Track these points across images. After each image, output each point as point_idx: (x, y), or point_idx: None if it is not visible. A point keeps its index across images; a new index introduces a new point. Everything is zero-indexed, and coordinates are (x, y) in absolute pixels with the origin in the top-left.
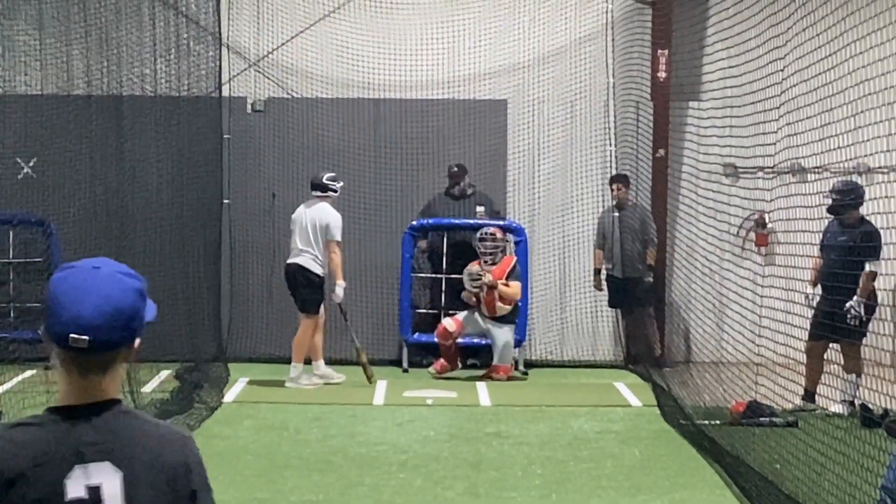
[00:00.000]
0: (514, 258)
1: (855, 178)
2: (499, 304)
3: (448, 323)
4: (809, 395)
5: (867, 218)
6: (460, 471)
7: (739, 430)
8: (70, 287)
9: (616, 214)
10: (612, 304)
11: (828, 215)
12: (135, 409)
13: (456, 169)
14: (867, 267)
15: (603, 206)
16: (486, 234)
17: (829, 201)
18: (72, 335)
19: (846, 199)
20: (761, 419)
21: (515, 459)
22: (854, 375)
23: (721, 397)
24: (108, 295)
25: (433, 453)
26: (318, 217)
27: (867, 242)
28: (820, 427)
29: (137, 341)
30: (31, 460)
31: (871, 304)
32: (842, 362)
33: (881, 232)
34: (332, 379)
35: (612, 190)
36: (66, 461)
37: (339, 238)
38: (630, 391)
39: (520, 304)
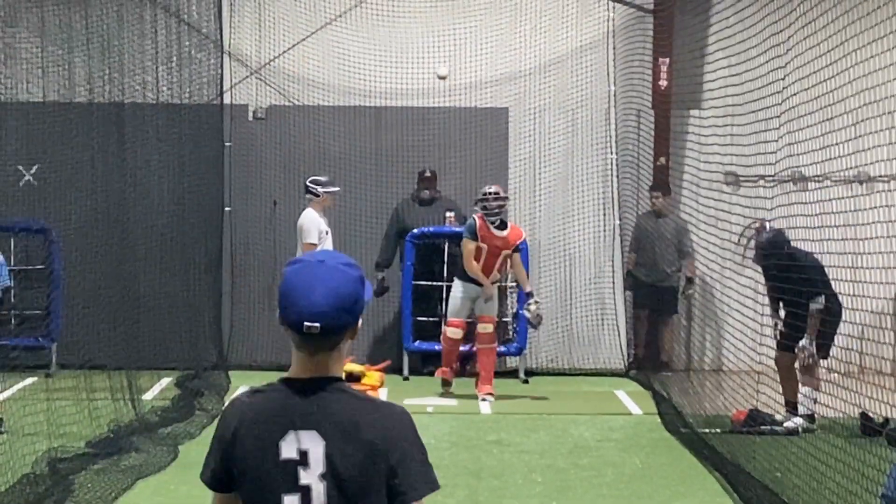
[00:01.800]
0: (523, 233)
1: (856, 186)
2: (495, 273)
3: (452, 332)
4: (793, 407)
5: (798, 254)
6: (461, 479)
7: (740, 438)
8: (301, 280)
9: (654, 221)
10: (636, 306)
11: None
12: (352, 389)
13: (429, 174)
14: (811, 308)
15: (604, 214)
16: (488, 193)
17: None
18: (306, 323)
19: (770, 251)
20: (762, 427)
21: (516, 467)
22: (810, 389)
23: (722, 406)
24: (336, 286)
25: (434, 461)
26: (299, 222)
27: (805, 283)
28: (820, 436)
29: (360, 321)
30: (255, 420)
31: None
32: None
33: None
34: None
35: (652, 198)
36: (282, 425)
37: (311, 240)
38: (631, 399)
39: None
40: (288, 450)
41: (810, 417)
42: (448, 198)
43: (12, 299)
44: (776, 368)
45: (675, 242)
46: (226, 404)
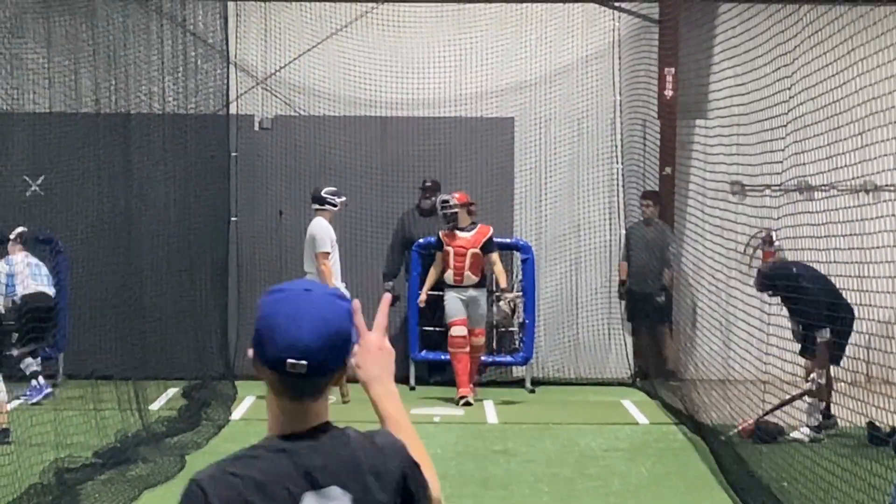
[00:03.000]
0: (491, 229)
1: (862, 195)
2: (468, 273)
3: (458, 331)
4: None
5: (804, 280)
6: (468, 489)
7: (747, 447)
8: (284, 310)
9: (644, 229)
10: (629, 318)
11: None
12: (346, 426)
13: (430, 184)
14: (818, 340)
15: (610, 224)
16: (442, 202)
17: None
18: (290, 360)
19: (774, 284)
20: (778, 438)
21: (522, 477)
22: (817, 400)
23: (728, 415)
24: (325, 318)
25: (440, 471)
26: (309, 232)
27: (814, 316)
28: (827, 445)
29: (348, 363)
30: (258, 493)
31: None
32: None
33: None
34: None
35: (642, 206)
36: (294, 490)
37: (325, 249)
38: (637, 409)
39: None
40: None
41: (817, 428)
42: None
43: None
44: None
45: (659, 250)
46: (196, 484)
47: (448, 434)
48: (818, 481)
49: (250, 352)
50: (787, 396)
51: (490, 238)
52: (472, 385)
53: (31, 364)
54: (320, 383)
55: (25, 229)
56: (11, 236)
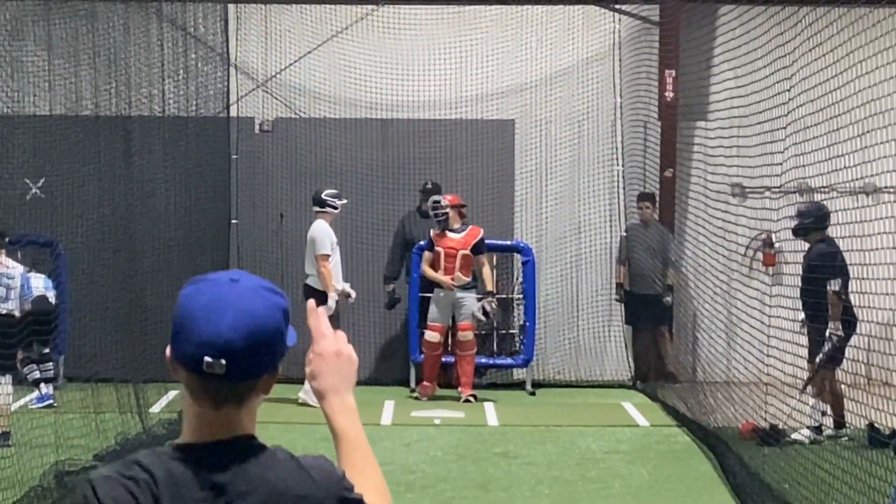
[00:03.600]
0: (481, 231)
1: (862, 197)
2: (458, 274)
3: (430, 336)
4: (839, 422)
5: (831, 239)
6: (468, 491)
7: (749, 449)
8: (205, 303)
9: (643, 231)
10: (627, 321)
11: (833, 236)
12: (275, 446)
13: (430, 186)
14: (828, 288)
15: (611, 226)
16: (433, 203)
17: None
18: (207, 359)
19: (807, 222)
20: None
21: (523, 480)
22: (821, 402)
23: (731, 417)
24: (251, 312)
25: (441, 473)
26: (309, 234)
27: (824, 262)
28: (828, 447)
29: (279, 368)
30: (152, 498)
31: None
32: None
33: (840, 252)
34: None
35: (639, 208)
36: (191, 501)
37: (325, 252)
38: (638, 411)
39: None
40: None
41: (818, 429)
42: None
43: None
44: (821, 387)
45: (660, 251)
46: (89, 483)
47: (448, 436)
48: (819, 483)
49: (168, 349)
50: (790, 398)
51: (481, 239)
52: (471, 385)
53: (33, 371)
54: (243, 389)
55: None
56: None
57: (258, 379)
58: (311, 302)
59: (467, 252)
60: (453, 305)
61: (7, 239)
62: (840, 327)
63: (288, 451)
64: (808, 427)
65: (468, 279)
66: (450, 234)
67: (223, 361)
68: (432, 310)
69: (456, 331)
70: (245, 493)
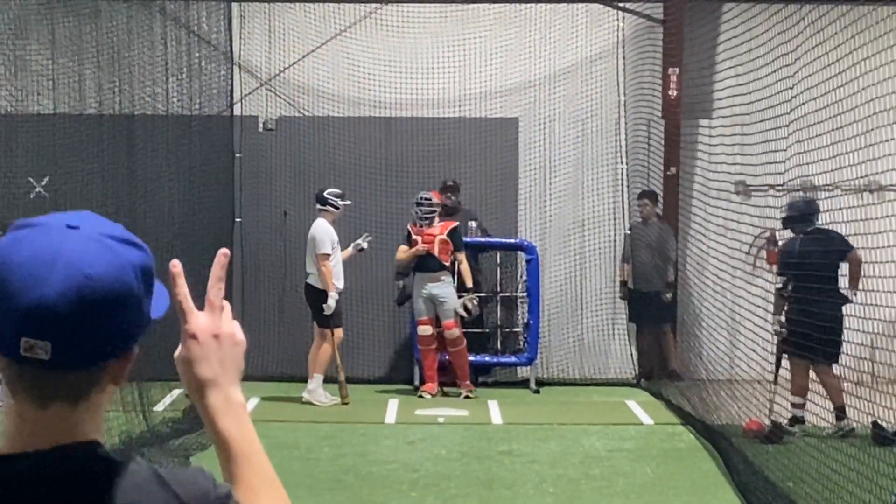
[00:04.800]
0: (457, 223)
1: (866, 195)
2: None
3: (423, 330)
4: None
5: (806, 236)
6: (472, 489)
7: (753, 447)
8: (25, 259)
9: (644, 229)
10: (631, 319)
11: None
12: (130, 456)
13: (451, 184)
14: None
15: (614, 224)
16: (422, 198)
17: (785, 216)
18: (24, 339)
19: (791, 216)
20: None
21: (527, 478)
22: (799, 398)
23: (735, 415)
24: (88, 273)
25: (445, 472)
26: (310, 233)
27: (842, 239)
28: (832, 444)
29: (135, 350)
30: None
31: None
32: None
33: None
34: (320, 399)
35: (639, 205)
36: None
37: (325, 251)
38: (642, 409)
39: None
40: None
41: (791, 421)
42: (469, 209)
43: None
44: (822, 382)
45: (660, 249)
46: None
47: (452, 435)
48: (824, 481)
49: None
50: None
51: (456, 229)
52: (468, 377)
53: None
54: (78, 380)
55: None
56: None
57: (101, 366)
58: (175, 263)
59: (444, 237)
60: (434, 302)
61: None
62: (781, 322)
63: (148, 464)
64: (788, 420)
65: (447, 264)
66: (426, 228)
67: (47, 342)
68: (416, 306)
69: (443, 330)
70: None
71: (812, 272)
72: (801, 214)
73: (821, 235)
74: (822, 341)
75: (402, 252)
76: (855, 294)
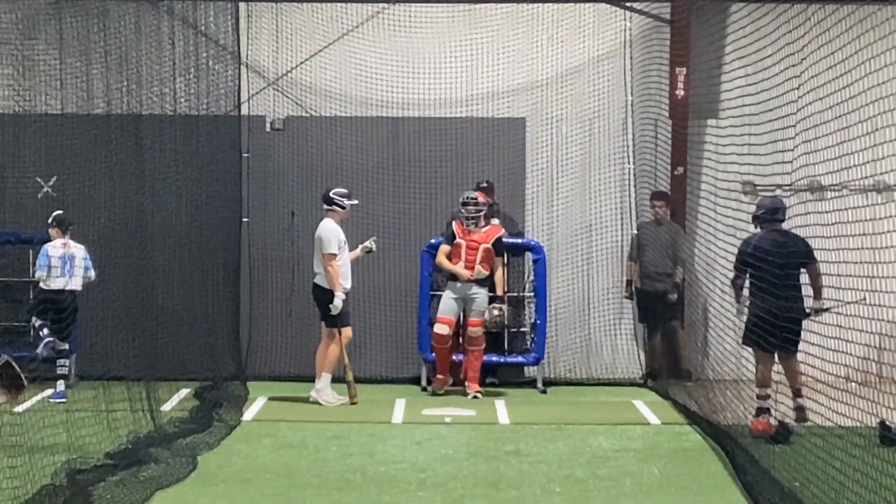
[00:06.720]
0: (503, 230)
1: (873, 195)
2: (479, 267)
3: (440, 328)
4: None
5: (770, 234)
6: (479, 489)
7: (760, 447)
8: None
9: (655, 230)
10: (640, 319)
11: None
12: None
13: (486, 185)
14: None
15: (621, 224)
16: (468, 198)
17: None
18: None
19: (758, 213)
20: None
21: (534, 478)
22: (762, 388)
23: (742, 415)
24: None
25: (452, 472)
26: (317, 232)
27: (805, 249)
28: (839, 445)
29: None
30: None
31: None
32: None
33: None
34: (328, 399)
35: (652, 206)
36: None
37: (332, 251)
38: (649, 409)
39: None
40: None
41: (762, 411)
42: (505, 212)
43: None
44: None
45: (671, 249)
46: None
47: (460, 434)
48: (830, 481)
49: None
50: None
51: (501, 238)
52: (478, 381)
53: (63, 364)
54: None
55: (61, 212)
56: (49, 220)
57: None
58: None
59: (489, 246)
60: (465, 301)
61: (70, 225)
62: (742, 311)
63: None
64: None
65: (487, 272)
66: (473, 229)
67: None
68: (444, 302)
69: (466, 326)
70: None
71: (770, 268)
72: (767, 211)
73: (781, 238)
74: (785, 330)
75: (444, 254)
76: (822, 304)
